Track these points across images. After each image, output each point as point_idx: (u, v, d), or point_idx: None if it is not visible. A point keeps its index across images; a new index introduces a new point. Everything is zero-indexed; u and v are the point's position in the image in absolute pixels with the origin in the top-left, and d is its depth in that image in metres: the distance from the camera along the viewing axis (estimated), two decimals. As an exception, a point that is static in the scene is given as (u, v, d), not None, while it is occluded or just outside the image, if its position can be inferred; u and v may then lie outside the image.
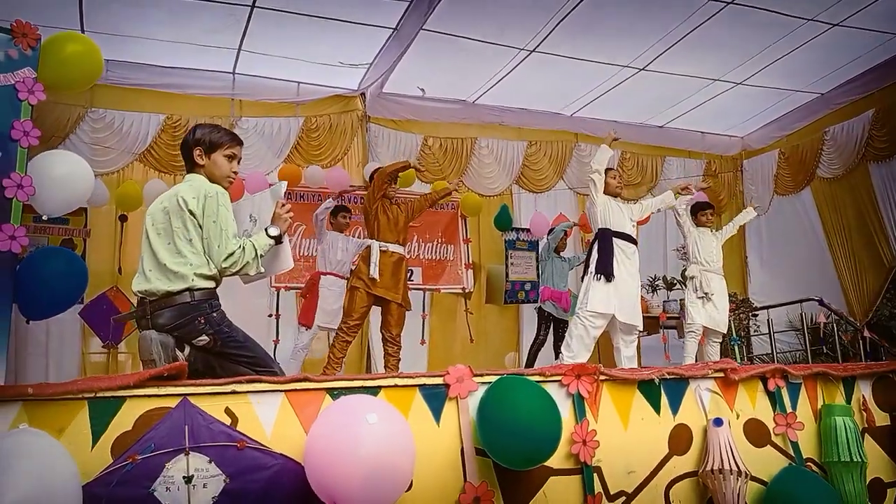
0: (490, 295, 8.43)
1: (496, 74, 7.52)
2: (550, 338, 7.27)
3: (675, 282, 8.32)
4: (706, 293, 6.04)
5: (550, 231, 7.75)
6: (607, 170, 5.74)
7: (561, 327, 7.01)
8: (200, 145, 3.21)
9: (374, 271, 5.35)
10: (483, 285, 8.46)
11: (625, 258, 5.37)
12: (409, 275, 6.33)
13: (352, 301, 5.43)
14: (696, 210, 6.38)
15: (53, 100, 6.44)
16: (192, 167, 3.23)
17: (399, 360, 5.54)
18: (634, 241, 5.54)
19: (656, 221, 8.87)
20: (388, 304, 5.51)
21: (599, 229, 5.46)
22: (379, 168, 6.05)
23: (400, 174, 5.95)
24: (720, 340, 6.24)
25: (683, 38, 6.80)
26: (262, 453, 2.52)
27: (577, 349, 5.18)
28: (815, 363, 7.16)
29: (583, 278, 5.54)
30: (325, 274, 6.52)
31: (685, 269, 6.33)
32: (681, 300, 7.26)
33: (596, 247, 5.43)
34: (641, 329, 5.44)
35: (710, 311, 6.05)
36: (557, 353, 6.66)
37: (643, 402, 3.19)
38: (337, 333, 5.47)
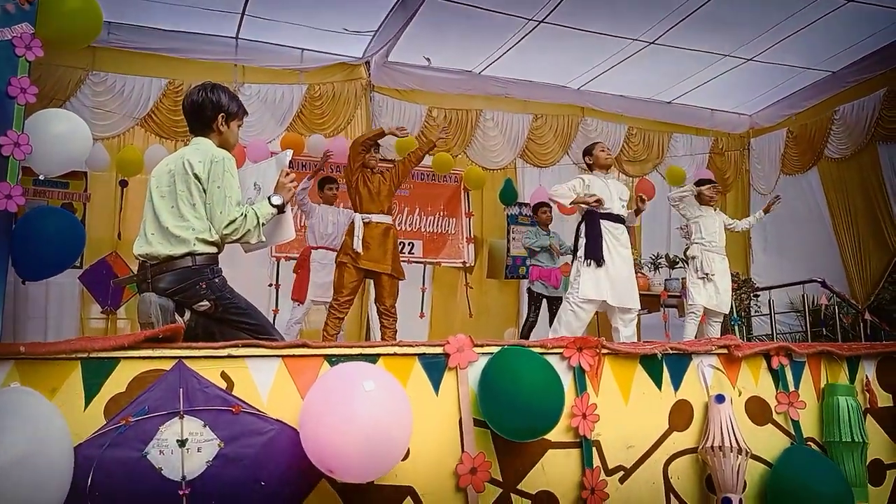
0: (491, 270, 8.39)
1: (503, 45, 7.42)
2: (544, 318, 7.16)
3: (678, 260, 8.26)
4: (707, 273, 5.95)
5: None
6: (596, 142, 5.62)
7: (554, 305, 6.92)
8: (223, 111, 3.15)
9: (358, 245, 5.26)
10: (485, 259, 8.42)
11: (613, 240, 5.17)
12: (400, 246, 6.23)
13: (340, 277, 5.36)
14: (701, 185, 6.27)
15: (54, 62, 6.38)
16: (203, 130, 3.16)
17: (396, 331, 5.46)
18: (622, 220, 5.32)
19: (660, 199, 8.79)
20: (379, 275, 5.41)
21: (586, 211, 5.27)
22: (355, 139, 5.90)
23: (389, 139, 5.82)
24: (720, 321, 6.16)
25: (694, 12, 6.69)
26: (258, 418, 2.49)
27: (565, 335, 5.02)
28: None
29: (572, 261, 5.41)
30: (315, 248, 6.45)
31: (687, 248, 6.24)
32: (682, 279, 7.21)
33: (583, 230, 5.24)
34: (639, 308, 5.30)
35: (710, 292, 5.96)
36: None
37: (645, 377, 3.15)
38: (329, 311, 5.41)
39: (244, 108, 3.29)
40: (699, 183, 6.32)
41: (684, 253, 6.43)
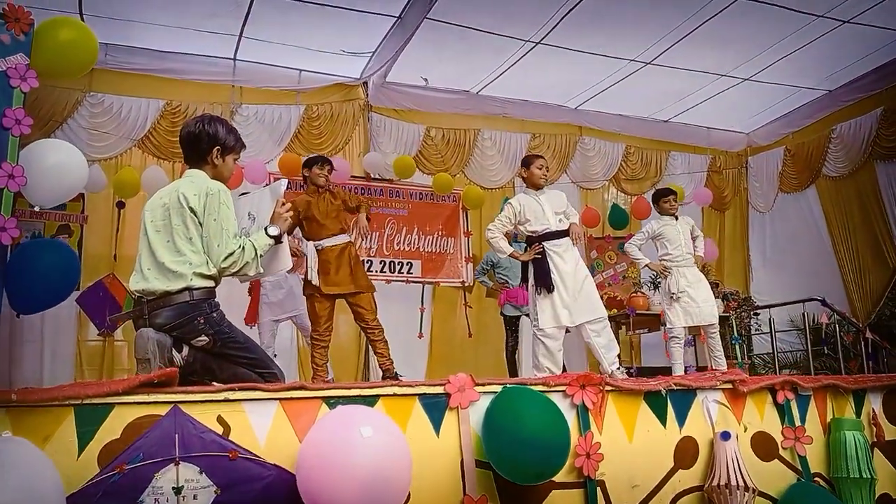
0: (490, 289, 8.34)
1: (501, 66, 7.41)
2: (526, 336, 7.02)
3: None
4: (674, 292, 5.76)
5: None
6: (536, 156, 5.37)
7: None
8: (219, 144, 3.11)
9: (314, 276, 5.14)
10: (484, 279, 8.37)
11: (559, 259, 4.96)
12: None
13: (312, 309, 5.25)
14: (659, 197, 6.11)
15: (51, 83, 6.35)
16: (198, 162, 3.12)
17: (385, 341, 5.30)
18: (564, 234, 5.04)
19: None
20: (347, 296, 5.27)
21: (526, 237, 5.14)
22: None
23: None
24: (716, 331, 5.90)
25: (692, 32, 6.71)
26: (255, 464, 2.43)
27: (547, 366, 4.88)
28: (822, 372, 7.15)
29: (527, 289, 5.24)
30: None
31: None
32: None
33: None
34: (604, 314, 4.99)
35: (687, 308, 5.73)
36: None
37: (649, 414, 3.10)
38: (312, 343, 5.33)
39: (242, 141, 3.25)
40: (657, 195, 6.18)
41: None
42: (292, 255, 5.15)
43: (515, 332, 7.05)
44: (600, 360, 4.92)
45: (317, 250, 5.23)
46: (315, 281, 5.13)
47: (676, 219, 6.02)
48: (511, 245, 5.31)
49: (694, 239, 6.05)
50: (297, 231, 5.50)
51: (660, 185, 9.11)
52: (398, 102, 7.98)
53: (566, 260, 4.98)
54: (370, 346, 5.47)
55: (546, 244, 4.99)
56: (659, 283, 7.78)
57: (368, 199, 6.12)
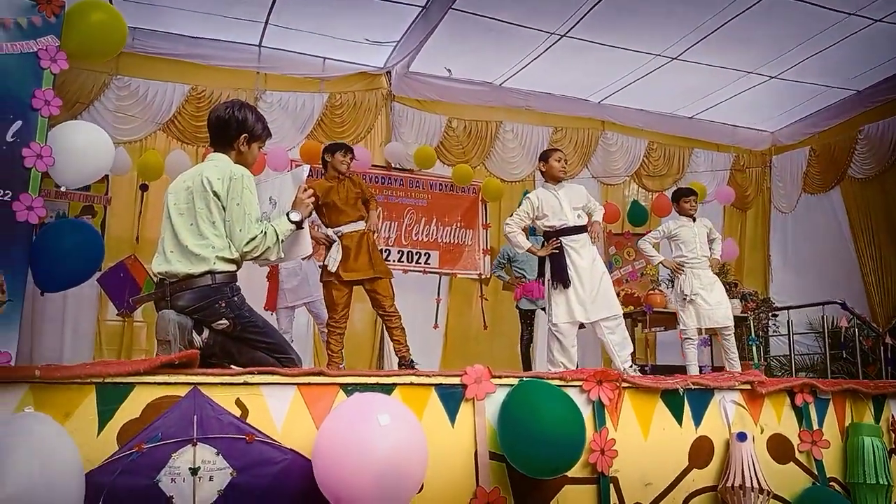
0: (507, 283, 8.34)
1: (524, 58, 7.39)
2: (542, 329, 7.02)
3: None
4: (687, 294, 5.74)
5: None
6: (554, 150, 5.36)
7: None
8: (247, 132, 3.13)
9: (333, 266, 5.13)
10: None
11: (575, 255, 4.95)
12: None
13: (329, 296, 5.24)
14: (679, 197, 6.06)
15: (78, 66, 6.41)
16: (224, 147, 3.13)
17: (403, 329, 5.30)
18: (582, 229, 5.04)
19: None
20: (365, 282, 5.25)
21: (543, 232, 5.14)
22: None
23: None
24: (731, 333, 5.85)
25: (718, 28, 6.65)
26: (272, 447, 2.45)
27: (561, 361, 4.91)
28: (839, 377, 7.07)
29: (543, 283, 5.25)
30: None
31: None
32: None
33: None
34: (619, 312, 5.00)
35: (701, 311, 5.70)
36: None
37: (665, 412, 3.08)
38: (328, 329, 5.34)
39: (269, 130, 3.26)
40: (677, 194, 6.15)
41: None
42: (318, 244, 5.21)
43: (531, 325, 7.05)
44: (613, 358, 4.92)
45: (336, 237, 5.24)
46: (333, 269, 5.13)
47: (694, 220, 5.97)
48: (528, 239, 5.30)
49: (711, 241, 6.01)
50: (315, 218, 5.46)
51: (682, 182, 9.08)
52: (421, 93, 7.98)
53: (583, 256, 4.98)
54: (387, 333, 5.47)
55: (563, 239, 4.99)
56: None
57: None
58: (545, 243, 5.11)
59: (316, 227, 5.35)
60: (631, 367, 4.88)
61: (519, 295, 7.06)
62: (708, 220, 6.25)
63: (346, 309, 5.28)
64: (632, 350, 5.07)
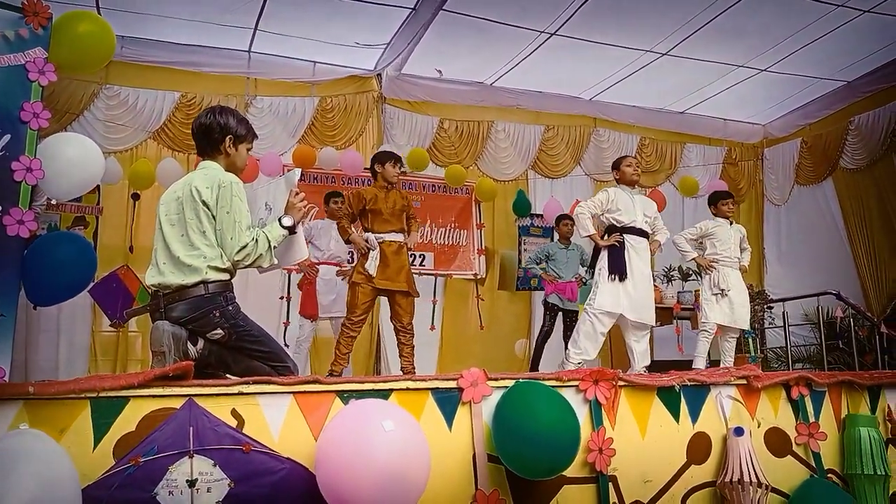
0: (503, 281, 8.36)
1: (515, 57, 7.39)
2: (559, 327, 7.10)
3: (691, 272, 8.19)
4: (722, 289, 5.81)
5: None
6: (624, 157, 5.58)
7: (568, 317, 6.86)
8: (231, 133, 3.12)
9: (373, 268, 5.13)
10: (496, 271, 8.38)
11: (635, 254, 5.18)
12: (411, 258, 6.09)
13: (354, 297, 5.20)
14: (717, 199, 6.13)
15: (67, 76, 6.39)
16: (211, 153, 3.12)
17: (413, 347, 5.35)
18: (646, 235, 5.34)
19: (673, 210, 8.73)
20: (394, 294, 5.28)
21: (608, 226, 5.27)
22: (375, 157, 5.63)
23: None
24: (736, 337, 6.01)
25: (708, 23, 6.65)
26: (269, 457, 2.45)
27: (585, 345, 5.08)
28: (835, 367, 7.09)
29: (591, 271, 5.41)
30: (318, 264, 6.37)
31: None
32: (695, 291, 7.11)
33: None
34: (651, 324, 5.25)
35: (725, 308, 5.80)
36: (567, 342, 6.51)
37: (662, 410, 3.09)
38: (342, 329, 5.33)
39: (253, 131, 3.25)
40: (715, 196, 6.21)
41: (698, 266, 6.24)
42: (357, 247, 5.23)
43: (553, 320, 7.05)
44: (632, 363, 5.15)
45: (379, 243, 5.23)
46: (372, 271, 5.11)
47: (731, 224, 6.09)
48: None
49: (742, 250, 6.11)
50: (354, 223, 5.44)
51: (674, 177, 9.11)
52: (412, 94, 7.97)
53: (642, 258, 5.22)
54: (398, 348, 5.44)
55: (627, 237, 5.20)
56: (690, 275, 7.78)
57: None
58: (605, 236, 5.27)
59: (352, 231, 5.33)
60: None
61: (550, 290, 7.06)
62: (743, 227, 6.33)
63: (365, 314, 5.25)
64: (648, 363, 5.23)
